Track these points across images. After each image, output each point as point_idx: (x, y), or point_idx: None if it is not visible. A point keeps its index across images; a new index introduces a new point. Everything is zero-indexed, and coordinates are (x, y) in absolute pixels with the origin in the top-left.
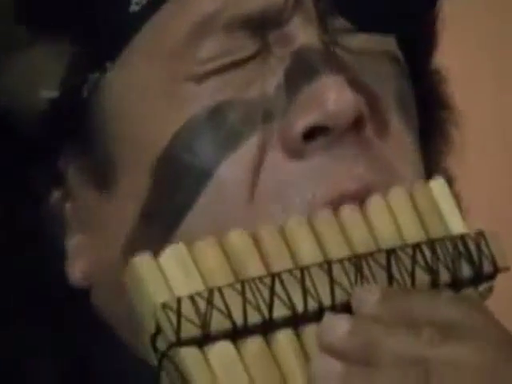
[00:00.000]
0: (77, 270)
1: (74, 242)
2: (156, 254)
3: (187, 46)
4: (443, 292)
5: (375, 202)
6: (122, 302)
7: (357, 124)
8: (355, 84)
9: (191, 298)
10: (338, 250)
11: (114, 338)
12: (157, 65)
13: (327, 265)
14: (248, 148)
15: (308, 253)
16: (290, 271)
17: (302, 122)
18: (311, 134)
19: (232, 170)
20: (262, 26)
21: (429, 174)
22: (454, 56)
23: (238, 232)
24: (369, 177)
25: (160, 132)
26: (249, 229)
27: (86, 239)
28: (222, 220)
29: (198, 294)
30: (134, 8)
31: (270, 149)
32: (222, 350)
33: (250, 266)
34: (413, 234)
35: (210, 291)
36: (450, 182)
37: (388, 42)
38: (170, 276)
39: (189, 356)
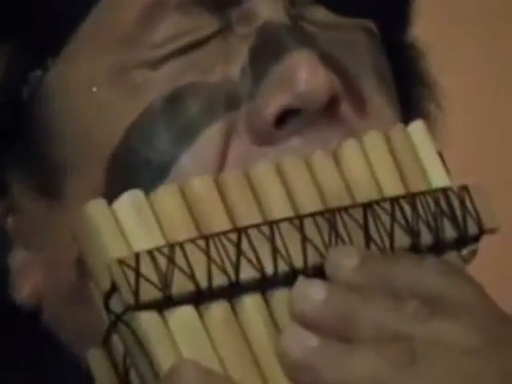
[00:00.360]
0: (24, 289)
1: (19, 260)
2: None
3: (138, 31)
4: (427, 258)
5: (349, 147)
6: (76, 315)
7: (331, 103)
8: (327, 60)
9: (150, 254)
10: (309, 200)
11: (66, 355)
12: (106, 54)
13: (298, 220)
14: (210, 136)
15: (277, 203)
16: (257, 226)
17: (272, 106)
18: (282, 117)
19: (193, 161)
20: (220, 2)
21: None
22: (435, 32)
23: (201, 177)
24: None
25: (114, 125)
26: None
27: (35, 256)
28: None
29: (158, 249)
30: None
31: (235, 135)
32: (183, 315)
33: (213, 218)
34: (390, 184)
35: (171, 247)
36: None
37: None
38: (126, 226)
39: (148, 321)
